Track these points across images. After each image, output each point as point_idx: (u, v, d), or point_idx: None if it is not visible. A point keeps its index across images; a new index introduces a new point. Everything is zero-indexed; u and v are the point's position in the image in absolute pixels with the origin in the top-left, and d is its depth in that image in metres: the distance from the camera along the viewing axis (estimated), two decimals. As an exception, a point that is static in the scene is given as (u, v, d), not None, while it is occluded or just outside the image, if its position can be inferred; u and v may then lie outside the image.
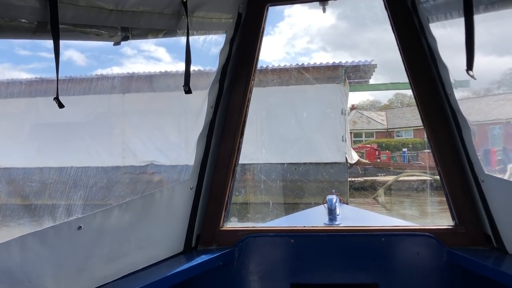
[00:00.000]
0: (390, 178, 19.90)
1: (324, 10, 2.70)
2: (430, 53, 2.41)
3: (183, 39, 2.18)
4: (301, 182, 14.55)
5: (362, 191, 18.57)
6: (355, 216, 3.80)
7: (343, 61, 15.21)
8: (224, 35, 2.50)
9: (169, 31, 2.13)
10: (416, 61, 2.50)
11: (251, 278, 2.62)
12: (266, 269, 2.63)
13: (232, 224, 3.01)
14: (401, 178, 19.74)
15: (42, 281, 1.81)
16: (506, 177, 2.39)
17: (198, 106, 2.55)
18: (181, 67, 2.23)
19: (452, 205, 2.50)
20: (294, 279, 2.60)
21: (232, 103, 2.68)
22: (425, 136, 2.54)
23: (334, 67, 14.82)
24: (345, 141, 15.69)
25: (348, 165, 16.14)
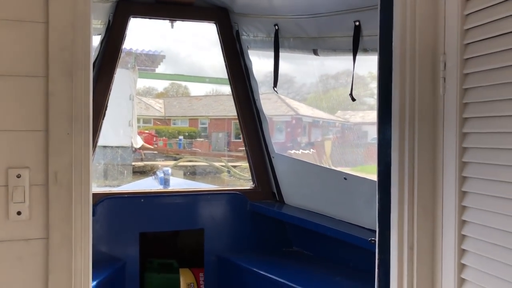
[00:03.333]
0: (169, 163, 21.39)
1: (172, 26, 3.56)
2: (245, 70, 3.54)
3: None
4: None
5: (143, 174, 19.60)
6: (182, 183, 4.77)
7: (134, 48, 15.77)
8: (99, 36, 3.12)
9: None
10: (236, 75, 3.59)
11: (109, 230, 3.32)
12: (121, 223, 3.36)
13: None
14: (180, 164, 21.50)
15: None
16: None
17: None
18: None
19: (254, 173, 3.72)
20: (142, 229, 3.41)
21: (98, 90, 3.30)
22: (240, 126, 3.69)
23: (126, 53, 15.24)
24: (132, 126, 16.33)
25: (133, 149, 16.85)
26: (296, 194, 3.58)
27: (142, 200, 3.42)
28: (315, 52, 2.87)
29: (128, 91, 16.49)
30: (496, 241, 1.25)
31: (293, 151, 4.05)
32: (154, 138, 30.42)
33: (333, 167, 3.37)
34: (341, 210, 3.20)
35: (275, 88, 3.11)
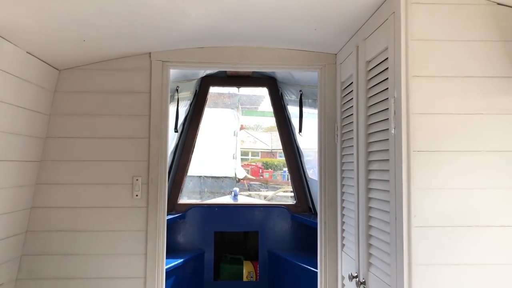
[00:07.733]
0: (271, 193, 23.22)
1: (238, 90, 5.21)
2: (288, 118, 5.03)
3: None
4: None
5: (247, 203, 21.75)
6: (246, 200, 6.37)
7: (237, 91, 18.05)
8: (189, 101, 4.87)
9: (173, 99, 4.42)
10: (282, 121, 5.09)
11: (195, 228, 4.97)
12: (202, 223, 5.00)
13: (184, 200, 5.33)
14: (279, 194, 23.23)
15: None
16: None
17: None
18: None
19: (295, 193, 5.14)
20: (216, 228, 5.01)
21: (189, 134, 5.03)
22: (285, 158, 5.15)
23: (231, 95, 17.56)
24: (235, 159, 18.48)
25: (237, 179, 18.98)
26: (325, 208, 4.91)
27: (216, 209, 5.03)
28: (323, 109, 4.26)
29: (232, 128, 18.80)
30: (350, 206, 2.58)
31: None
32: (260, 170, 32.71)
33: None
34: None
35: (300, 133, 4.55)
